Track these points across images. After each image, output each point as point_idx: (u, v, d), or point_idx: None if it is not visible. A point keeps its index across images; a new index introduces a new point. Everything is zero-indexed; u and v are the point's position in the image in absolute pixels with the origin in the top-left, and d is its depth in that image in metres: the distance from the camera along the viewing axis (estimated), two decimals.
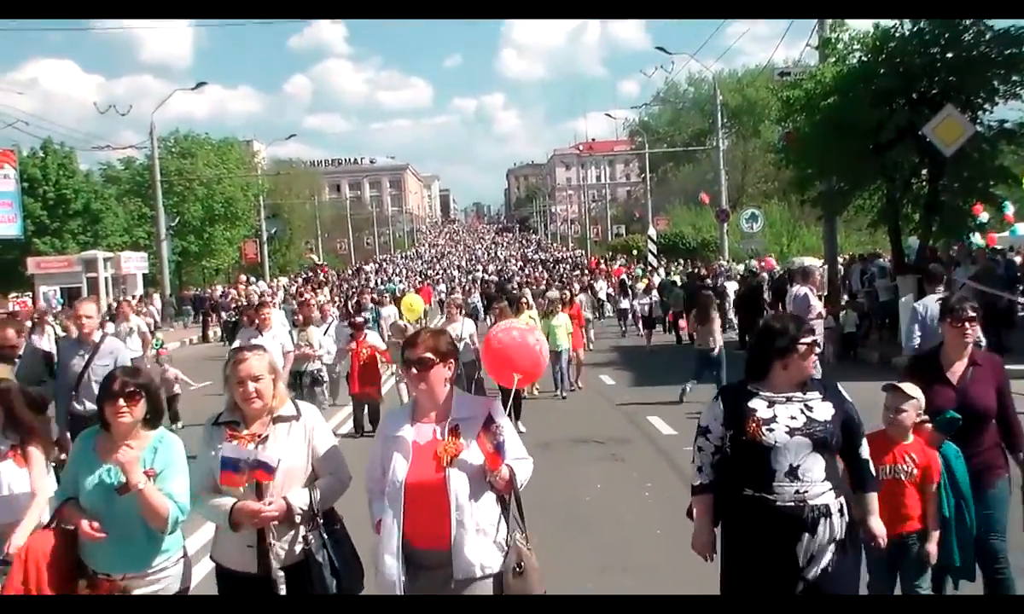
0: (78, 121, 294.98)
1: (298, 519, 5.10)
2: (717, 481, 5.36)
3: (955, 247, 26.49)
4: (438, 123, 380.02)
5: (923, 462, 6.11)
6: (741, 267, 41.16)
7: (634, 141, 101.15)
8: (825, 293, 17.36)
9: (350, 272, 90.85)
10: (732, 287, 32.15)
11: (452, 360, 5.02)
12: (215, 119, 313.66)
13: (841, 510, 5.05)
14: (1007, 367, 6.92)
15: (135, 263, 53.54)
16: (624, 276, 44.27)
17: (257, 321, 15.27)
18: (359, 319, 18.87)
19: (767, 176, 70.33)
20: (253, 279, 57.77)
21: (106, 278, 48.61)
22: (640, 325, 31.93)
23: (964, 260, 22.77)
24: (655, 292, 33.31)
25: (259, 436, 5.12)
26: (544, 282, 51.36)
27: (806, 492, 4.98)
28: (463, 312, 18.60)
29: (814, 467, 5.01)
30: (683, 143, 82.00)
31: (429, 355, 4.94)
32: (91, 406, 9.06)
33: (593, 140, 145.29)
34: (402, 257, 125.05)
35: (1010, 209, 28.43)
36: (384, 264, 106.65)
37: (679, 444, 13.96)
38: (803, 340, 5.14)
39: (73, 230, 57.96)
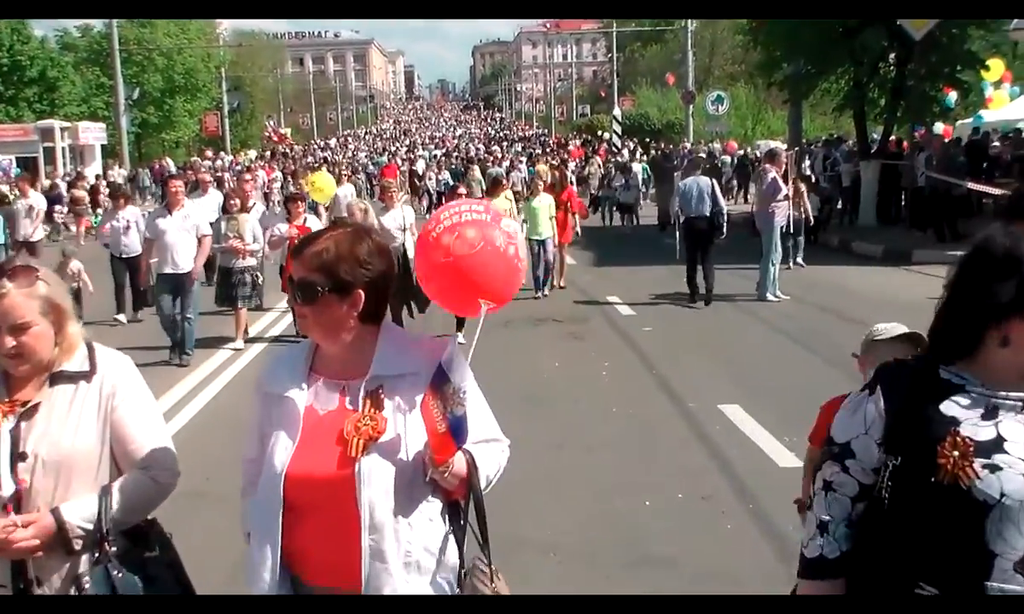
0: None
1: (77, 545, 3.06)
2: (856, 555, 2.81)
3: (918, 133, 26.48)
4: None
5: None
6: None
7: (602, 20, 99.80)
8: (794, 176, 17.17)
9: (317, 146, 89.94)
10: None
11: (361, 290, 2.88)
12: None
13: None
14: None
15: (93, 134, 52.64)
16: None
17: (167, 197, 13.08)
18: (294, 191, 17.28)
19: (735, 59, 69.82)
20: (215, 154, 56.80)
21: (63, 148, 47.87)
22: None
23: (928, 146, 22.76)
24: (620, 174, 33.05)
25: (21, 405, 3.08)
26: (508, 161, 50.17)
27: None
28: (405, 194, 16.41)
29: None
30: (651, 23, 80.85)
31: (316, 279, 2.86)
32: None
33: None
34: (365, 133, 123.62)
35: (988, 90, 28.31)
36: (348, 140, 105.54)
37: (637, 324, 14.08)
38: None
39: (29, 98, 56.74)
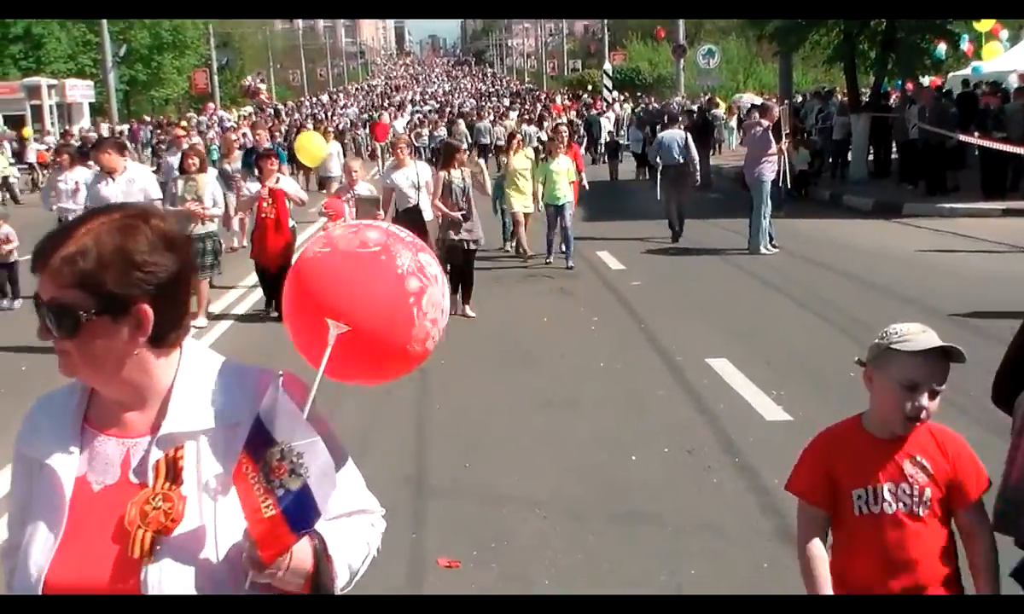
0: None
1: None
2: None
3: (909, 86, 26.37)
4: None
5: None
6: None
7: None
8: (787, 130, 17.22)
9: (308, 102, 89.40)
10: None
11: (145, 304, 1.93)
12: None
13: None
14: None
15: (80, 91, 52.20)
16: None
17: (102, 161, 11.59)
18: (267, 147, 15.95)
19: None
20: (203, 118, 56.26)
21: (51, 106, 47.50)
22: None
23: (919, 99, 22.67)
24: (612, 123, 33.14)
25: None
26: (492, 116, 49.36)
27: None
28: (415, 152, 15.00)
29: None
30: None
31: (74, 299, 1.90)
32: None
33: None
34: (356, 90, 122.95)
35: (966, 45, 28.15)
36: (339, 96, 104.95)
37: (626, 279, 14.06)
38: None
39: (14, 55, 56.20)
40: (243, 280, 14.31)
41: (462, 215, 12.12)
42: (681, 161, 17.42)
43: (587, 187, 18.13)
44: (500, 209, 17.09)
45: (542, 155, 16.38)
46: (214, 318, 12.57)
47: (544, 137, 21.78)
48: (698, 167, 17.93)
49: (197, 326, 11.67)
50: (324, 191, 22.53)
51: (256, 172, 13.54)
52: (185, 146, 16.02)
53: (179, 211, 11.63)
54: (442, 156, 13.38)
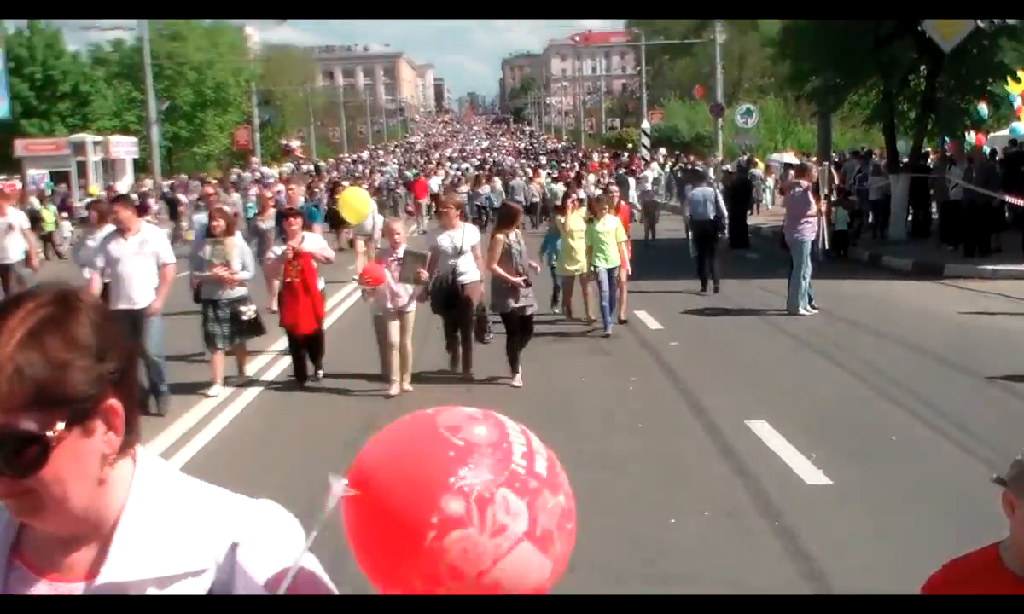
0: None
1: None
2: None
3: (947, 146, 26.27)
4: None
5: None
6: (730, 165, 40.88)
7: (631, 33, 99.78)
8: (826, 191, 17.31)
9: (351, 159, 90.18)
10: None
11: (114, 398, 1.45)
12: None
13: None
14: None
15: (125, 148, 53.01)
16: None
17: (114, 220, 11.01)
18: (292, 207, 15.06)
19: (764, 71, 69.62)
20: (239, 174, 56.51)
21: (95, 162, 48.20)
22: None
23: (960, 160, 22.57)
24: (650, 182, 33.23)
25: None
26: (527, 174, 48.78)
27: None
28: (464, 214, 13.24)
29: None
30: (680, 36, 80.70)
31: (31, 424, 1.37)
32: None
33: (590, 31, 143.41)
34: (395, 147, 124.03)
35: (1017, 102, 28.05)
36: (377, 152, 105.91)
37: (665, 339, 14.00)
38: None
39: (61, 112, 57.40)
40: (271, 345, 13.44)
41: (523, 280, 11.54)
42: (712, 217, 17.98)
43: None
44: (551, 269, 16.20)
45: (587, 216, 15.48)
46: (242, 384, 11.84)
47: (580, 195, 21.15)
48: (727, 224, 18.68)
49: (210, 395, 11.27)
50: (352, 248, 22.00)
51: (280, 230, 13.32)
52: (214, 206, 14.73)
53: (207, 276, 11.48)
54: (500, 218, 12.76)
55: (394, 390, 11.02)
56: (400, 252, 11.12)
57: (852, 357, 12.14)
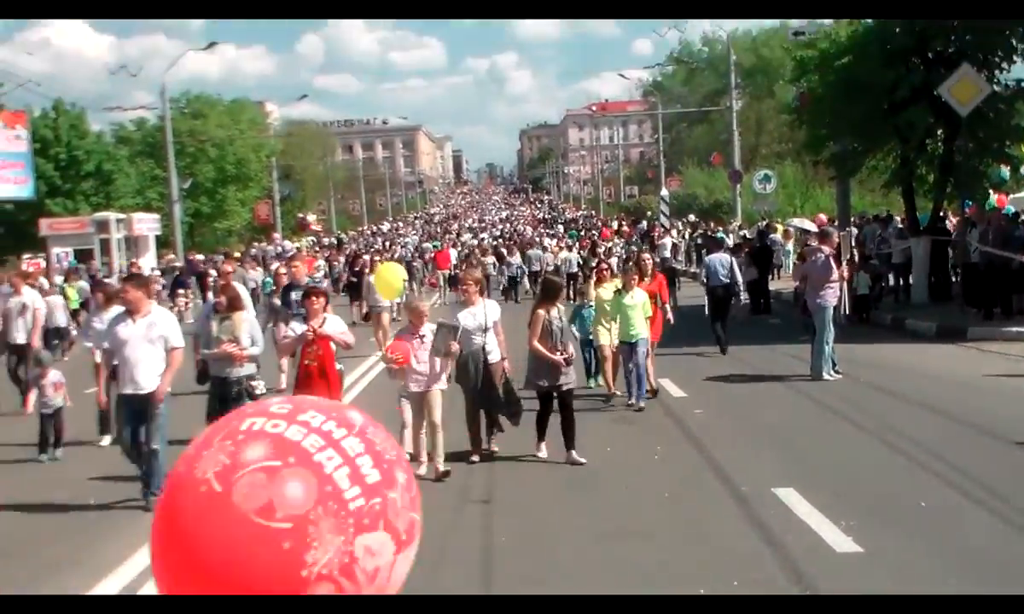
0: (90, 82, 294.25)
1: None
2: None
3: (968, 210, 26.28)
4: (451, 83, 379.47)
5: None
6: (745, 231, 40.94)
7: (647, 101, 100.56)
8: (847, 256, 17.40)
9: (370, 231, 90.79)
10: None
11: None
12: (227, 79, 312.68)
13: None
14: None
15: (147, 225, 53.50)
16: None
17: (123, 299, 10.60)
18: (315, 284, 14.46)
19: (781, 137, 69.86)
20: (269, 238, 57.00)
21: (118, 240, 48.68)
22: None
23: (980, 222, 22.56)
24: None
25: None
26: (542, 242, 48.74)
27: None
28: (485, 289, 12.83)
29: None
30: (697, 103, 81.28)
31: None
32: None
33: (606, 101, 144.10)
34: (415, 218, 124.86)
35: None
36: (397, 223, 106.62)
37: (689, 407, 13.95)
38: None
39: (85, 191, 58.10)
40: None
41: (564, 358, 11.14)
42: (726, 282, 18.76)
43: (671, 320, 16.69)
44: (582, 343, 15.66)
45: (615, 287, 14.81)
46: None
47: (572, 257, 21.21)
48: (741, 290, 19.40)
49: None
50: (368, 322, 22.16)
51: (289, 308, 13.03)
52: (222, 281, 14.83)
53: (215, 353, 11.13)
54: (542, 293, 12.09)
55: (422, 470, 10.53)
56: (424, 330, 10.80)
57: (878, 422, 12.07)
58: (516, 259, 39.15)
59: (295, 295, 14.14)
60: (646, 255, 17.26)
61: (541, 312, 11.27)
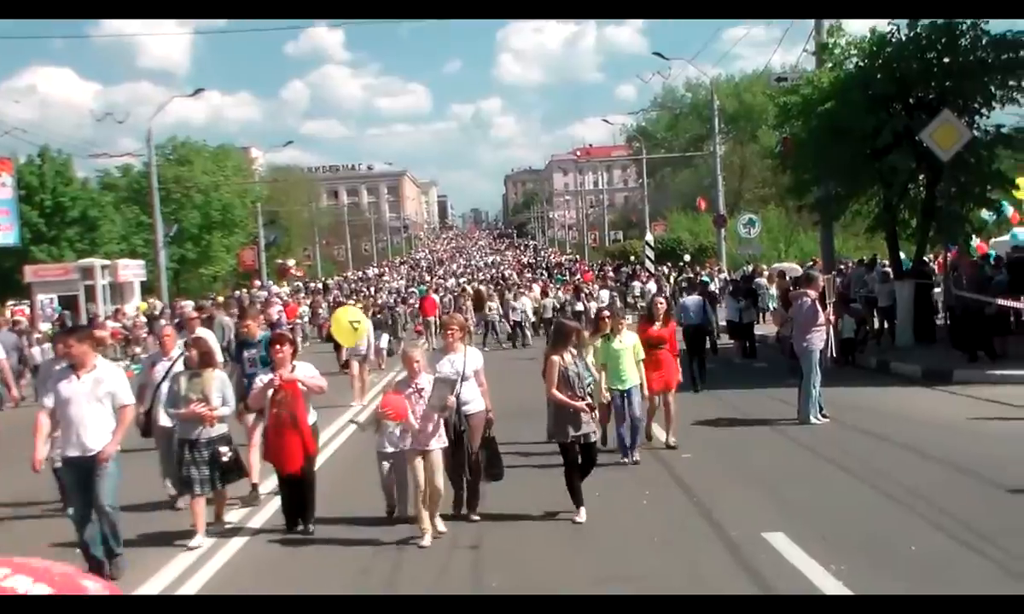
0: (75, 128, 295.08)
1: None
2: None
3: (951, 253, 26.49)
4: (436, 129, 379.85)
5: None
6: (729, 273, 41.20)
7: (632, 147, 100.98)
8: (833, 299, 17.59)
9: (357, 276, 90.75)
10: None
11: None
12: (213, 126, 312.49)
13: None
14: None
15: (132, 271, 53.46)
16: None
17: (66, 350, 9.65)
18: (280, 331, 13.45)
19: (765, 181, 70.46)
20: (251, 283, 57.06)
21: (103, 286, 48.61)
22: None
23: (963, 265, 22.72)
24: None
25: None
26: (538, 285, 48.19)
27: None
28: (468, 335, 12.38)
29: None
30: (681, 148, 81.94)
31: None
32: None
33: (591, 146, 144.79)
34: (400, 263, 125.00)
35: (1009, 211, 28.39)
36: (383, 268, 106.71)
37: (676, 451, 13.95)
38: None
39: (70, 238, 58.13)
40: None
41: (585, 405, 10.54)
42: (697, 322, 20.64)
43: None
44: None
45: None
46: (223, 534, 10.68)
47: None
48: (715, 328, 22.71)
49: (191, 546, 10.10)
50: (346, 372, 20.97)
51: (241, 367, 12.54)
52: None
53: (183, 414, 10.37)
54: (554, 338, 11.22)
55: (427, 541, 9.74)
56: (421, 382, 10.14)
57: (865, 466, 12.12)
58: (523, 303, 37.15)
59: (248, 354, 13.18)
60: (660, 298, 15.77)
61: (555, 358, 10.60)
